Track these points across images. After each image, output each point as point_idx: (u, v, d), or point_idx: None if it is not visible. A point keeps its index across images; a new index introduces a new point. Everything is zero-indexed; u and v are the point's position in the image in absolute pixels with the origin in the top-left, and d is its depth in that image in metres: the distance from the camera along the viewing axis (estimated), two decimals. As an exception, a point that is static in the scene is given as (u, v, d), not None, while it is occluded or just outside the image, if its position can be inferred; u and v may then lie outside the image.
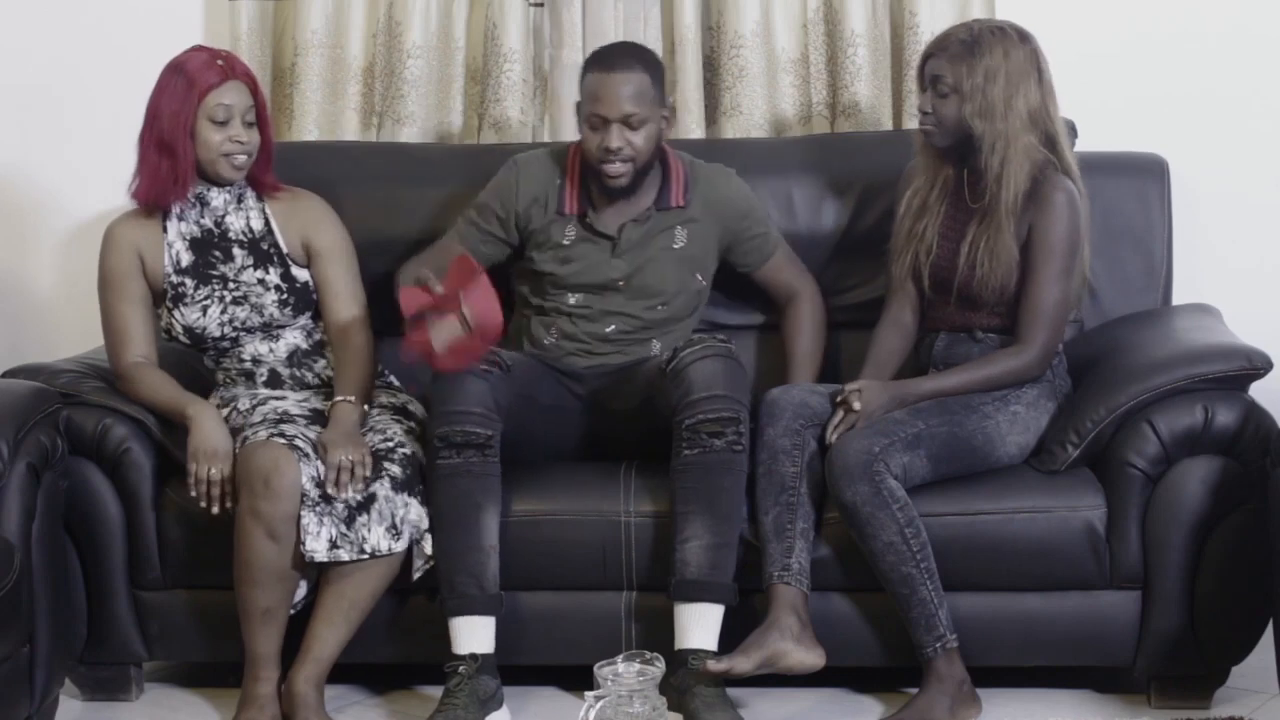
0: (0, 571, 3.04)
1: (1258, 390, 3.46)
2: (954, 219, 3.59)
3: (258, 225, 3.65)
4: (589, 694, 2.89)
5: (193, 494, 3.43)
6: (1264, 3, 4.11)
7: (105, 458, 3.54)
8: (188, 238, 3.62)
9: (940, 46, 3.52)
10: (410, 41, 4.18)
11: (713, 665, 3.29)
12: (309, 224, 3.67)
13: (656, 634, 3.41)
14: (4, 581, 3.03)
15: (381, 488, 3.40)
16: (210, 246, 3.63)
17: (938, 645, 3.35)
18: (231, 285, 3.61)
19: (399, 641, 3.54)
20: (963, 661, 3.37)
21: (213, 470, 3.41)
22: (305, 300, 3.64)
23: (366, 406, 3.57)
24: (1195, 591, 3.40)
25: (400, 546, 3.39)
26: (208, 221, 3.63)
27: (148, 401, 3.55)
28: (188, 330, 3.61)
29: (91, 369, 3.65)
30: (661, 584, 3.44)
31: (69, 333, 4.25)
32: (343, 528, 3.37)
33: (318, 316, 3.68)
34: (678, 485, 3.42)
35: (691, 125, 4.12)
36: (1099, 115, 3.95)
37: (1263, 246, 4.12)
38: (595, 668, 2.93)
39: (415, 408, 3.67)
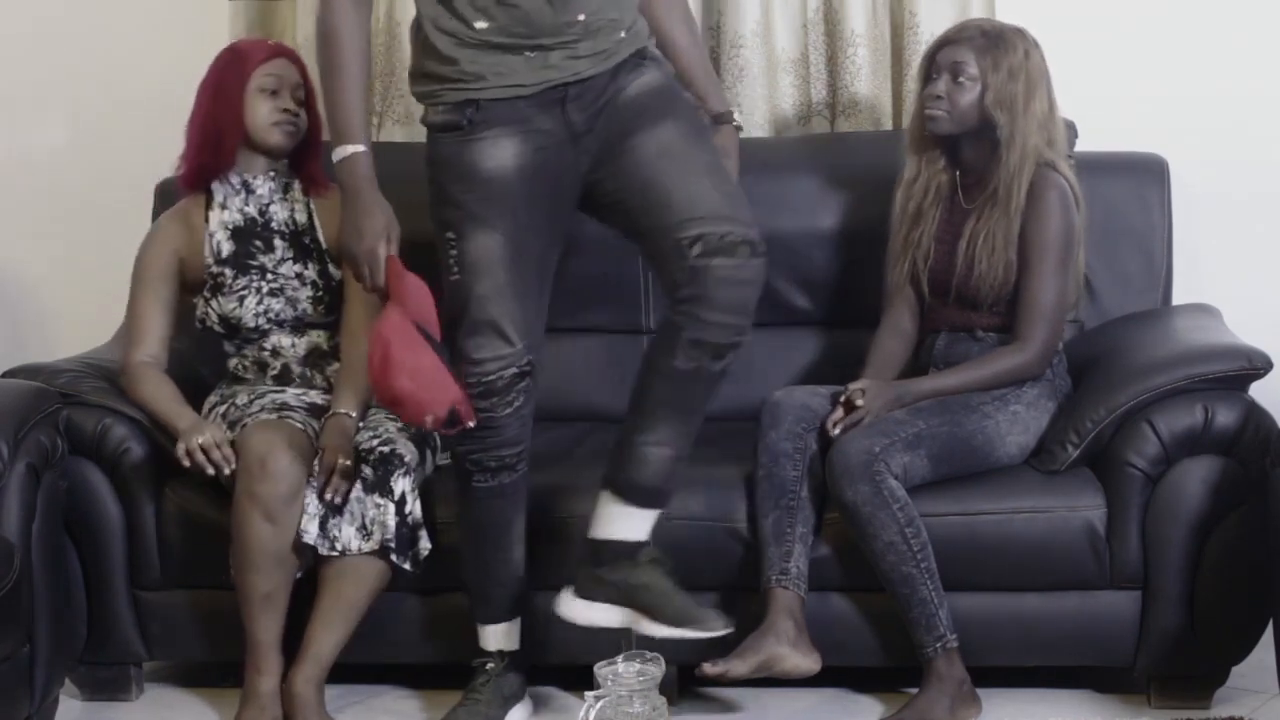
0: (0, 571, 3.04)
1: (1258, 390, 3.46)
2: (949, 222, 3.60)
3: (301, 219, 3.68)
4: (589, 694, 2.89)
5: (185, 464, 3.41)
6: (1264, 3, 4.11)
7: (105, 458, 3.54)
8: (230, 226, 3.64)
9: (960, 36, 3.54)
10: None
11: (709, 669, 3.29)
12: None
13: (656, 634, 3.41)
14: (4, 581, 3.04)
15: (355, 491, 3.40)
16: (252, 235, 3.65)
17: (938, 645, 3.35)
18: (270, 277, 3.63)
19: (399, 641, 3.54)
20: (963, 661, 3.37)
21: (200, 439, 3.39)
22: (339, 300, 3.65)
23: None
24: (1195, 591, 3.40)
25: (370, 546, 3.38)
26: (251, 209, 3.65)
27: (144, 404, 3.55)
28: (223, 319, 3.62)
29: (92, 369, 3.65)
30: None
31: (69, 333, 4.25)
32: (318, 525, 3.39)
33: None
34: (656, 384, 3.16)
35: (691, 125, 4.12)
36: (1099, 115, 3.95)
37: (1263, 246, 4.13)
38: (595, 668, 2.94)
39: (414, 410, 3.67)
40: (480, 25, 3.14)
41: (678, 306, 3.12)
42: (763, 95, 4.13)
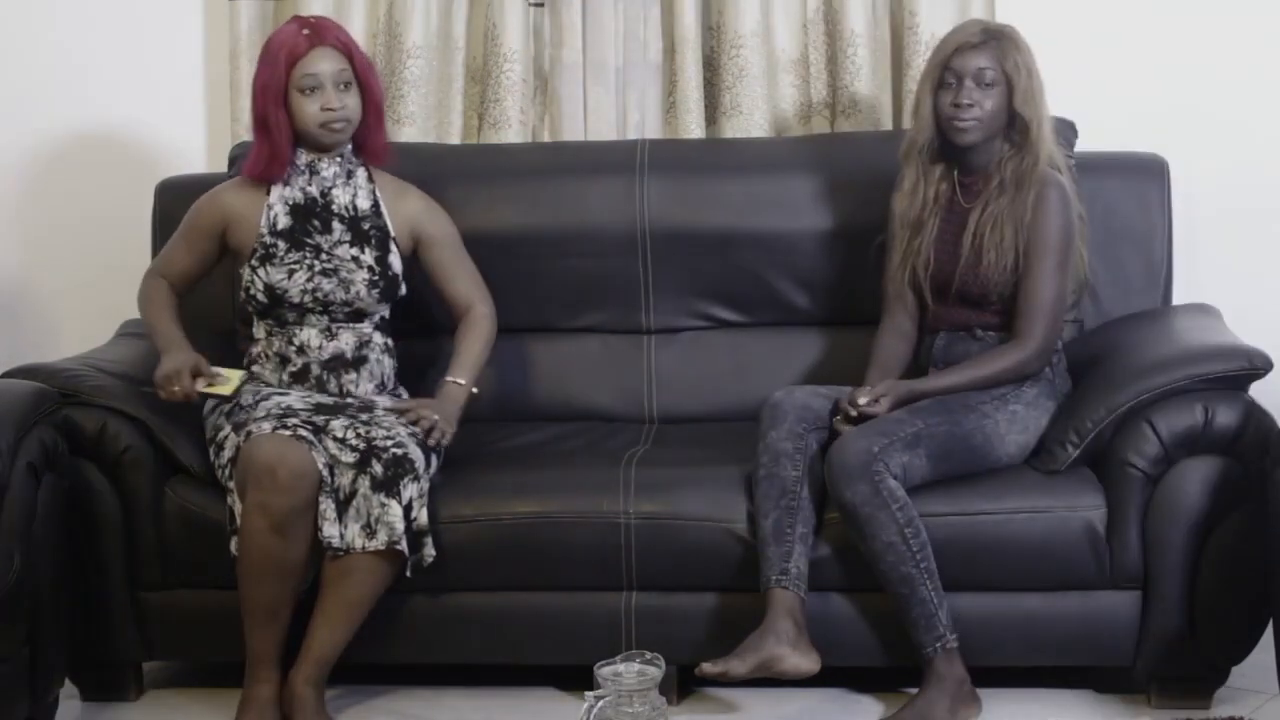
0: (0, 571, 3.04)
1: (1258, 390, 3.46)
2: (948, 223, 3.60)
3: (364, 204, 3.68)
4: (589, 694, 2.89)
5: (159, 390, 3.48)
6: (1264, 3, 4.11)
7: (105, 458, 3.54)
8: (290, 202, 3.65)
9: (969, 42, 3.53)
10: (410, 41, 4.19)
11: (709, 668, 3.29)
12: (418, 214, 3.73)
13: (656, 634, 3.41)
14: (4, 581, 3.04)
15: (362, 484, 3.40)
16: (311, 215, 3.65)
17: (938, 645, 3.35)
18: (324, 257, 3.63)
19: (399, 641, 3.54)
20: (963, 661, 3.37)
21: (162, 371, 3.47)
22: (392, 290, 3.66)
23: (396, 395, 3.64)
24: (1195, 591, 3.40)
25: (374, 545, 3.37)
26: (314, 190, 3.66)
27: (145, 316, 3.64)
28: (268, 289, 3.61)
29: (92, 369, 3.65)
30: (662, 584, 3.45)
31: (69, 333, 4.25)
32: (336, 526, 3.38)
33: (383, 326, 3.69)
34: None
35: (691, 125, 4.12)
36: (1099, 115, 3.95)
37: (1263, 246, 4.13)
38: (595, 668, 2.93)
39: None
40: None
41: None
42: (763, 95, 4.13)
